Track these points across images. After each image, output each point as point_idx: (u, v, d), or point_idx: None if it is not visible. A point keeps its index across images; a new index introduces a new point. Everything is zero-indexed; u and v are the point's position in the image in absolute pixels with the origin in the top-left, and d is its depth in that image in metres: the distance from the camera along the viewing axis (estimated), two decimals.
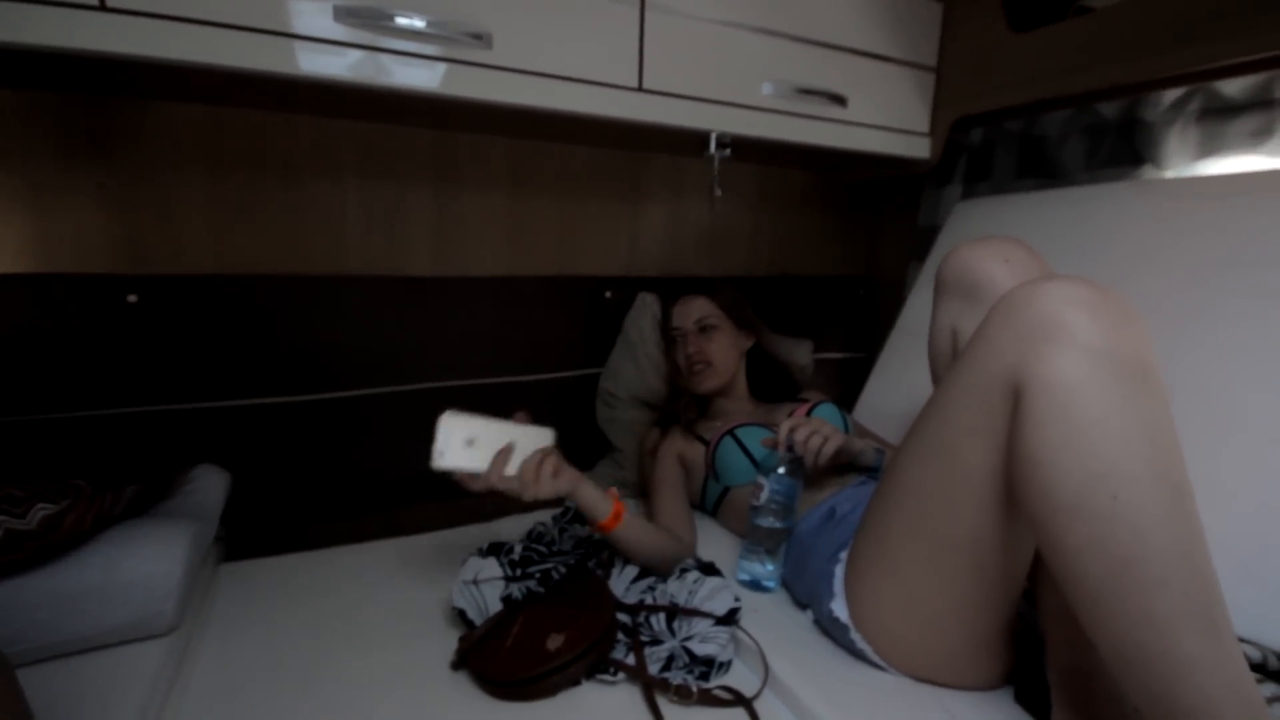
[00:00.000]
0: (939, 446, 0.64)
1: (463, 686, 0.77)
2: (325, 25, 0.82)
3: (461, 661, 0.79)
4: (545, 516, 1.11)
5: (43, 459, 0.96)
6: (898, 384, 1.32)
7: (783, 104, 1.18)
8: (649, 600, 0.87)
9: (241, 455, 1.07)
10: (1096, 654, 0.54)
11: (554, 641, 0.76)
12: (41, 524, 0.67)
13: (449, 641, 0.84)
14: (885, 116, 1.31)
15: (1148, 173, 1.13)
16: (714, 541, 1.07)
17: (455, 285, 1.23)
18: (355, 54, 0.84)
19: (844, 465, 0.99)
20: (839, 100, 1.22)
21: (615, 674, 0.76)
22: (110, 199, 0.99)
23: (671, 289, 1.30)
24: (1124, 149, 1.15)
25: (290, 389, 1.11)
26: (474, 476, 0.79)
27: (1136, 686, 0.48)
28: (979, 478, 0.60)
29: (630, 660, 0.78)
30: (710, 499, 1.14)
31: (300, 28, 0.81)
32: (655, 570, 0.93)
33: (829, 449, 0.91)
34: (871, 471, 0.99)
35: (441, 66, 0.89)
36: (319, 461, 1.15)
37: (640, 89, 1.05)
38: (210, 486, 0.96)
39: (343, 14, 0.82)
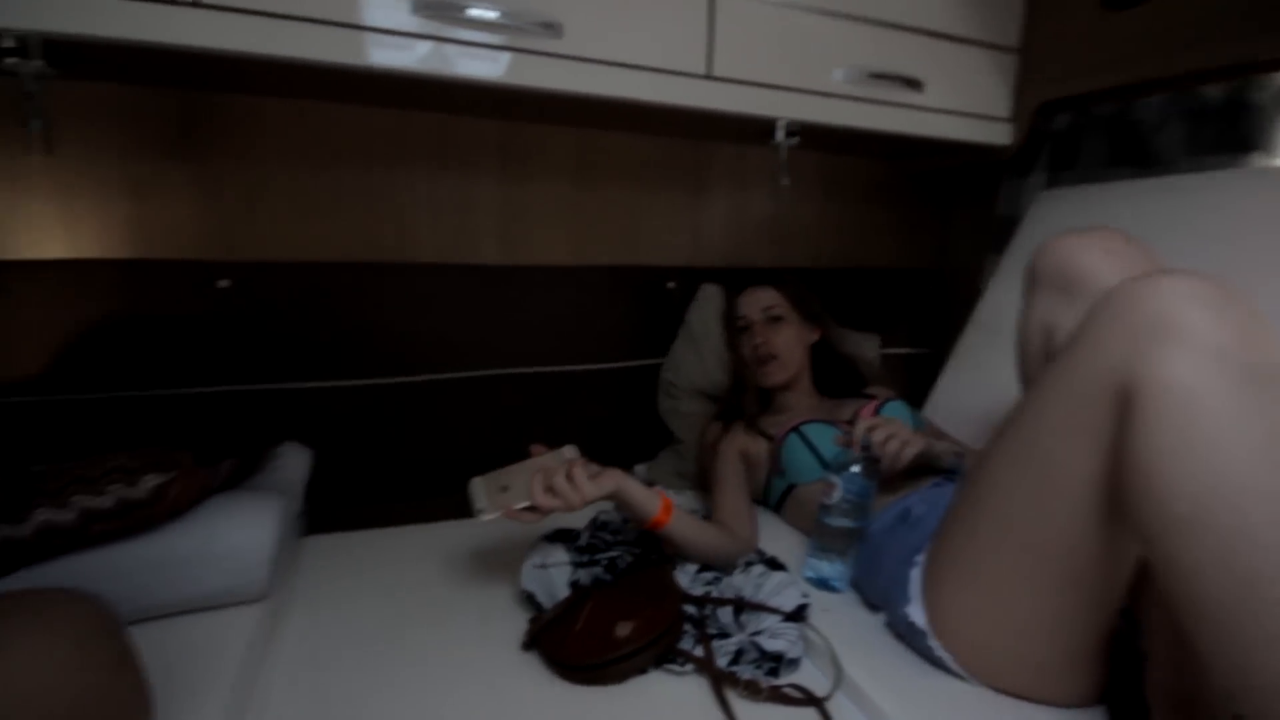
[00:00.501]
0: (1034, 450, 0.61)
1: (532, 666, 0.79)
2: (401, 18, 0.84)
3: (532, 643, 0.81)
4: (608, 505, 1.12)
5: (140, 433, 1.02)
6: (972, 382, 1.27)
7: (855, 89, 1.14)
8: (714, 593, 0.87)
9: (321, 434, 1.11)
10: (1206, 677, 0.50)
11: (623, 629, 0.77)
12: (150, 493, 0.71)
13: (518, 622, 0.87)
14: (963, 101, 1.25)
15: (1257, 160, 1.04)
16: (778, 538, 1.06)
17: (520, 274, 1.24)
18: (426, 45, 0.86)
19: (919, 466, 0.96)
20: (914, 85, 1.18)
21: (684, 664, 0.77)
22: (202, 189, 1.04)
23: (736, 280, 1.29)
24: (1230, 134, 1.07)
25: (365, 372, 1.15)
26: (525, 511, 0.81)
27: (1258, 713, 0.45)
28: (1078, 485, 0.57)
29: (698, 651, 0.78)
30: (774, 495, 1.12)
31: (375, 21, 0.82)
32: (712, 566, 0.93)
33: (908, 453, 0.88)
34: (948, 474, 0.96)
35: (511, 57, 0.90)
36: (390, 442, 1.19)
37: (709, 76, 1.03)
38: (294, 463, 1.01)
39: (420, 6, 0.84)
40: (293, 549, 1.00)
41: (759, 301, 1.20)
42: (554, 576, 0.89)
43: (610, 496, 0.84)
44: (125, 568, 0.72)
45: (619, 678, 0.75)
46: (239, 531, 0.78)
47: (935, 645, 0.73)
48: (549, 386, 1.30)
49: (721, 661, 0.76)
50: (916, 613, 0.74)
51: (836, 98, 1.13)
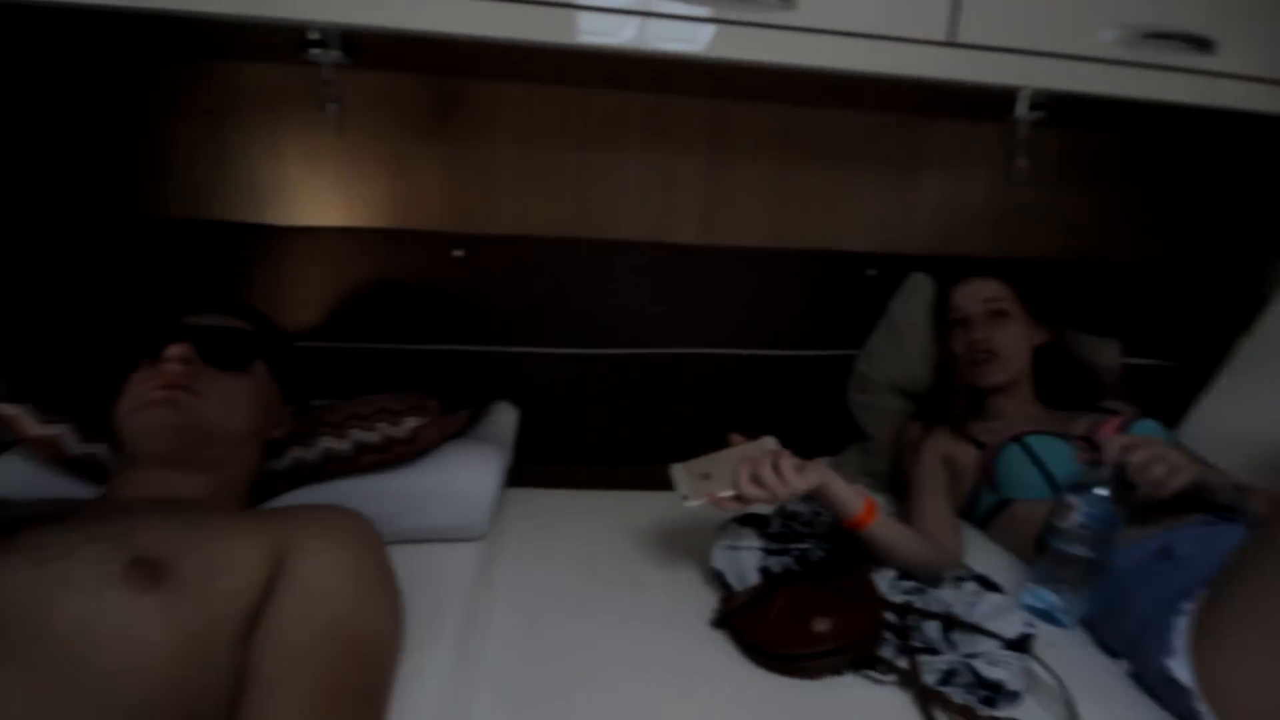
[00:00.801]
0: None
1: (721, 644, 0.80)
2: None
3: (723, 622, 0.81)
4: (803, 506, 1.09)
5: (384, 382, 1.18)
6: (1247, 406, 1.06)
7: (1125, 52, 0.97)
8: (916, 603, 0.81)
9: (526, 396, 1.20)
10: None
11: (821, 625, 0.75)
12: (410, 433, 0.82)
13: (705, 598, 0.88)
14: (1266, 65, 1.02)
15: None
16: (981, 558, 0.97)
17: (717, 255, 1.24)
18: (651, 22, 0.86)
19: (1185, 498, 0.82)
20: (1203, 45, 0.98)
21: (885, 673, 0.73)
22: (447, 166, 1.16)
23: (949, 269, 1.18)
24: None
25: (568, 341, 1.22)
26: (729, 499, 0.80)
27: None
28: None
29: (901, 663, 0.73)
30: (981, 508, 1.02)
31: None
32: (910, 575, 0.87)
33: (1177, 482, 0.75)
34: (1222, 511, 0.80)
35: (741, 31, 0.87)
36: (586, 409, 1.26)
37: (951, 43, 0.94)
38: (506, 420, 1.10)
39: None
40: (501, 499, 1.09)
41: (979, 293, 1.09)
42: (743, 559, 0.89)
43: (813, 492, 0.81)
44: (381, 495, 0.83)
45: (814, 674, 0.73)
46: (470, 475, 0.87)
47: (1202, 708, 0.62)
48: (735, 369, 1.29)
49: (929, 678, 0.71)
50: (1181, 668, 0.64)
51: (1101, 63, 0.98)
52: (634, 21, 0.86)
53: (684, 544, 1.01)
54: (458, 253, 1.16)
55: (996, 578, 0.88)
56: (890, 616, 0.80)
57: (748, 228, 1.26)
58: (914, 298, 1.23)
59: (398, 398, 0.87)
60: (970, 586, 0.82)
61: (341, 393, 1.02)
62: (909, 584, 0.85)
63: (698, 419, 1.30)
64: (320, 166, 1.12)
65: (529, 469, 1.19)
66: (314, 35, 0.85)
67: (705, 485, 0.82)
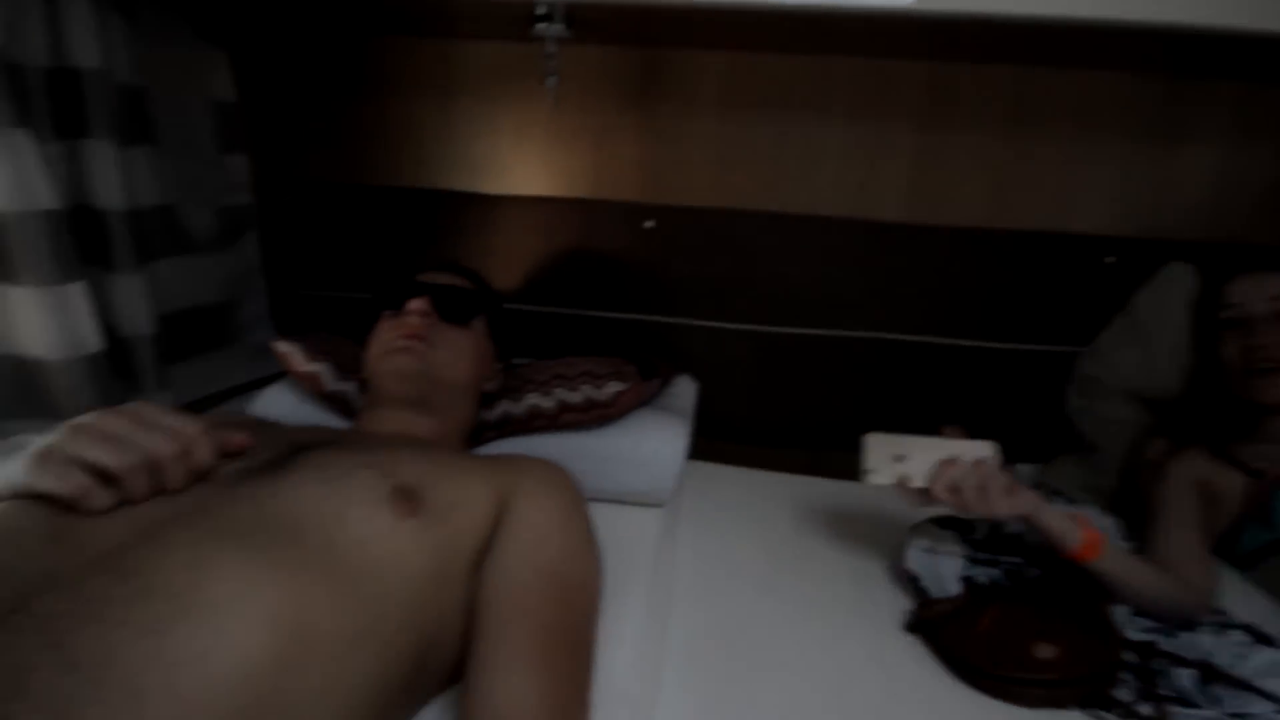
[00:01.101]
0: None
1: (913, 650, 0.75)
2: None
3: (920, 627, 0.76)
4: None
5: (571, 347, 1.23)
6: None
7: None
8: (1163, 644, 0.70)
9: (705, 369, 1.20)
10: None
11: (1044, 650, 0.67)
12: (610, 397, 0.85)
13: (895, 598, 0.84)
14: None
15: None
16: (1243, 603, 0.81)
17: (926, 234, 1.14)
18: None
19: None
20: None
21: (1124, 716, 0.63)
22: (645, 137, 1.16)
23: (1219, 259, 0.98)
24: None
25: (754, 318, 1.20)
26: (914, 492, 0.73)
27: None
28: None
29: (1144, 709, 0.64)
30: (1245, 546, 0.86)
31: None
32: (1148, 613, 0.75)
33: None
34: None
35: None
36: (764, 388, 1.23)
37: None
38: (686, 393, 1.11)
39: None
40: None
41: (1267, 290, 0.89)
42: (942, 565, 0.82)
43: (1019, 519, 0.72)
44: (577, 453, 0.87)
45: (1032, 702, 0.66)
46: (659, 442, 0.89)
47: None
48: (934, 358, 1.19)
49: None
50: None
51: None
52: None
53: (867, 536, 0.96)
54: (649, 224, 1.18)
55: (1266, 627, 0.73)
56: (1129, 656, 0.69)
57: (962, 204, 1.14)
58: (1169, 291, 1.04)
59: (600, 361, 0.91)
60: (1237, 635, 0.69)
61: (533, 354, 1.08)
62: (1148, 622, 0.74)
63: (883, 408, 1.22)
64: (530, 139, 1.18)
65: (701, 443, 1.19)
66: (542, 10, 0.89)
67: (896, 468, 0.75)
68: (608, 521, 0.70)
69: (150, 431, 0.48)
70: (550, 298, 1.23)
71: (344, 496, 0.53)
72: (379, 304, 0.85)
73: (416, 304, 0.79)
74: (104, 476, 0.46)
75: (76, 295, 0.80)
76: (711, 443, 1.19)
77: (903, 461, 0.76)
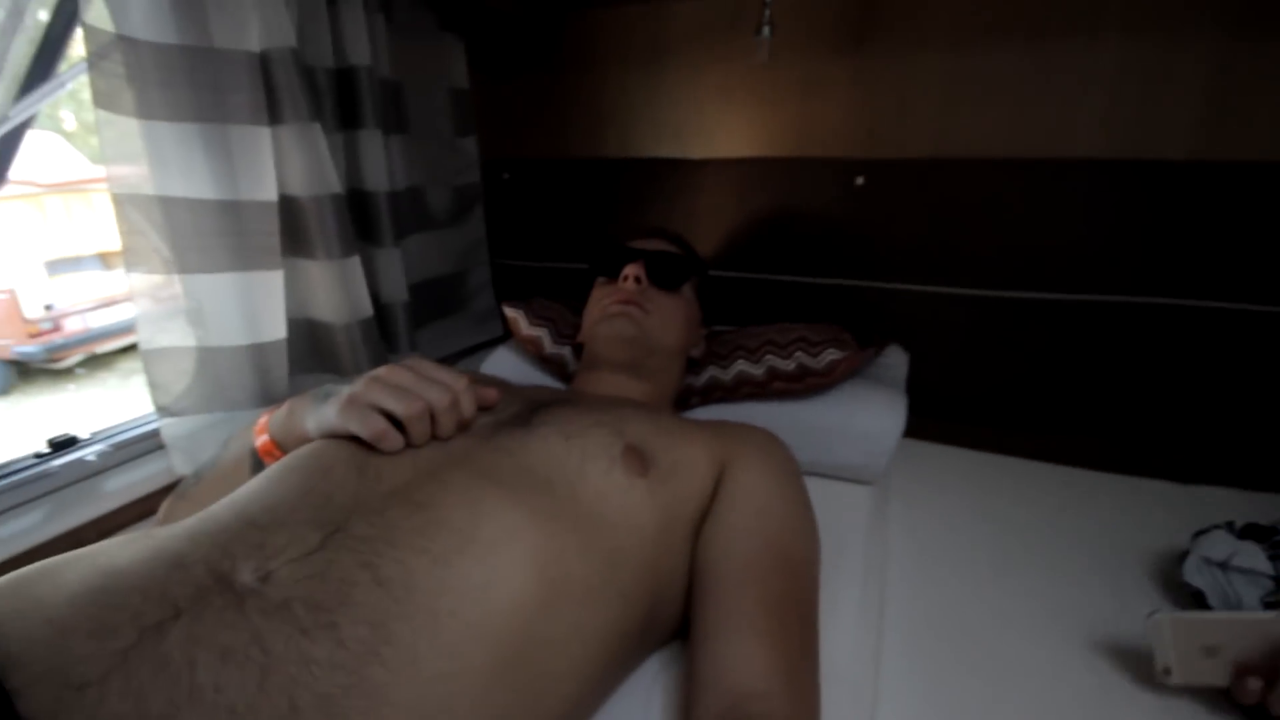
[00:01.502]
0: None
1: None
2: None
3: None
4: None
5: (774, 314, 1.20)
6: None
7: None
8: None
9: (919, 338, 1.10)
10: None
11: None
12: (827, 366, 0.81)
13: (1155, 604, 0.71)
14: None
15: None
16: None
17: (1226, 173, 0.91)
18: None
19: None
20: None
21: None
22: (858, 85, 1.07)
23: None
24: None
25: (979, 282, 1.06)
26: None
27: None
28: None
29: None
30: None
31: None
32: None
33: None
34: None
35: None
36: (985, 361, 1.10)
37: None
38: (898, 364, 1.03)
39: None
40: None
41: None
42: (1238, 583, 0.67)
43: None
44: (788, 423, 0.85)
45: None
46: (874, 416, 0.84)
47: None
48: (1218, 327, 0.96)
49: None
50: None
51: None
52: None
53: (1119, 535, 0.83)
54: (859, 180, 1.09)
55: None
56: None
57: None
58: None
59: (815, 328, 0.87)
60: None
61: (737, 322, 1.06)
62: None
63: (1136, 386, 1.03)
64: (735, 99, 1.14)
65: (913, 418, 1.10)
66: None
67: (1205, 666, 0.56)
68: (817, 496, 0.68)
69: (429, 384, 0.55)
70: (754, 263, 1.20)
71: (583, 452, 0.57)
72: (594, 271, 0.89)
73: (632, 269, 0.81)
74: (395, 422, 0.54)
75: (354, 268, 0.95)
76: (924, 419, 1.09)
77: (1215, 655, 0.56)
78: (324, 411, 0.56)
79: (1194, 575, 0.70)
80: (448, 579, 0.43)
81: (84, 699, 0.33)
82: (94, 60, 0.70)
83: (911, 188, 1.07)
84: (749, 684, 0.47)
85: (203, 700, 0.34)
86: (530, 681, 0.44)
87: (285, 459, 0.54)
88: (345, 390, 0.56)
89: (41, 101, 0.71)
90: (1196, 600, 0.69)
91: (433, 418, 0.55)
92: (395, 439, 0.53)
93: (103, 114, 0.71)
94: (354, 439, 0.54)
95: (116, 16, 0.70)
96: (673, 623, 0.60)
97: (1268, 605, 0.66)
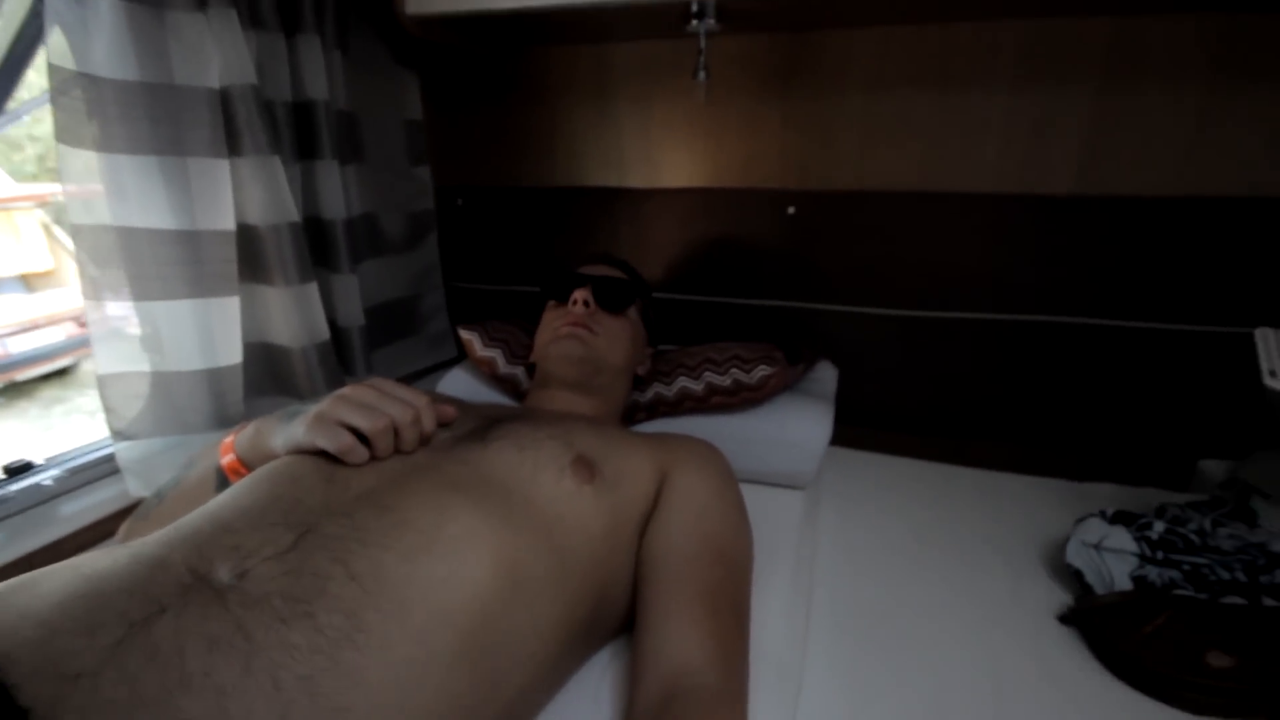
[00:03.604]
0: None
1: (1068, 644, 0.73)
2: None
3: (1077, 619, 0.73)
4: (1178, 498, 0.91)
5: (711, 333, 1.28)
6: None
7: None
8: None
9: (845, 356, 1.20)
10: None
11: (1218, 659, 0.63)
12: (759, 381, 0.89)
13: (1048, 590, 0.82)
14: None
15: None
16: None
17: (1101, 206, 1.05)
18: None
19: None
20: None
21: None
22: (789, 124, 1.17)
23: None
24: None
25: (897, 303, 1.18)
26: None
27: None
28: None
29: None
30: None
31: None
32: None
33: None
34: None
35: None
36: (905, 374, 1.21)
37: None
38: (828, 378, 1.12)
39: None
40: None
41: None
42: (1110, 562, 0.78)
43: None
44: (724, 434, 0.92)
45: (1197, 709, 0.62)
46: (803, 426, 0.92)
47: None
48: (1104, 342, 1.10)
49: None
50: None
51: None
52: None
53: (1020, 529, 0.93)
54: (791, 210, 1.19)
55: None
56: None
57: (1148, 174, 1.04)
58: None
59: (749, 346, 0.95)
60: None
61: (681, 341, 1.14)
62: None
63: (1039, 396, 1.15)
64: (676, 133, 1.23)
65: (841, 429, 1.20)
66: (695, 7, 0.93)
67: None
68: (751, 501, 0.75)
69: (392, 401, 0.60)
70: (696, 286, 1.29)
71: (535, 462, 0.62)
72: (545, 295, 0.95)
73: (580, 294, 0.88)
74: (360, 436, 0.58)
75: (311, 293, 0.98)
76: (852, 428, 1.19)
77: None
78: (291, 429, 0.60)
79: (1074, 556, 0.80)
80: (414, 573, 0.48)
81: (79, 687, 0.37)
82: (55, 95, 0.73)
83: (837, 216, 1.18)
84: (685, 662, 0.53)
85: (193, 684, 0.38)
86: (490, 667, 0.49)
87: (254, 472, 0.58)
88: (312, 409, 0.60)
89: None
90: (1077, 578, 0.80)
91: (396, 433, 0.60)
92: (361, 452, 0.58)
93: (63, 147, 0.73)
94: (321, 453, 0.58)
95: (78, 54, 0.73)
96: (619, 617, 0.66)
97: (1135, 579, 0.76)
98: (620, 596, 0.65)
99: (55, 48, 0.72)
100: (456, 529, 0.52)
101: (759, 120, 1.18)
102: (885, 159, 1.14)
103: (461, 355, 1.17)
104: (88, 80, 0.74)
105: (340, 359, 1.09)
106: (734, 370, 0.91)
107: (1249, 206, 1.00)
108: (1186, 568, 0.76)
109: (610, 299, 0.90)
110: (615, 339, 0.88)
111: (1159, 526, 0.80)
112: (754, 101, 1.18)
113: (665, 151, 1.25)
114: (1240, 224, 1.01)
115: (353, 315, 1.10)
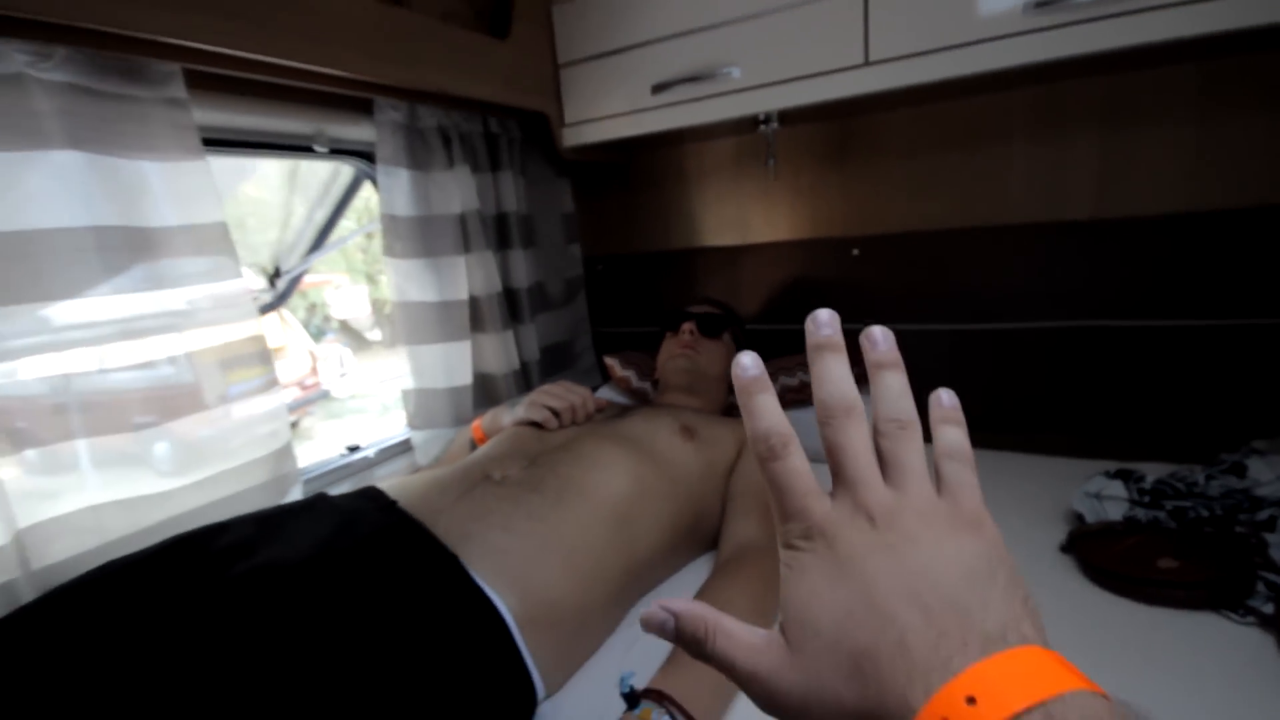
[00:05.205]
0: None
1: (1066, 566, 0.94)
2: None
3: (1070, 546, 0.95)
4: (1198, 472, 1.08)
5: (790, 354, 1.59)
6: None
7: None
8: None
9: (912, 367, 1.45)
10: None
11: (1166, 563, 0.84)
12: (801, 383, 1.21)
13: (1057, 531, 1.02)
14: None
15: None
16: None
17: (1114, 228, 1.25)
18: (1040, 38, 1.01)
19: None
20: None
21: (1244, 616, 0.78)
22: (845, 186, 1.49)
23: None
24: None
25: (951, 318, 1.43)
26: None
27: None
28: None
29: (1267, 609, 0.77)
30: None
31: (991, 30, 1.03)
32: None
33: None
34: None
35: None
36: (967, 381, 1.43)
37: None
38: None
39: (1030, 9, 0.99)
40: None
41: None
42: (1107, 508, 0.99)
43: None
44: (800, 423, 1.24)
45: (1145, 599, 0.83)
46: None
47: None
48: (1129, 342, 1.27)
49: None
50: None
51: None
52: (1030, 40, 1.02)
53: (1049, 494, 1.13)
54: (855, 251, 1.50)
55: None
56: (1273, 576, 0.81)
57: (1155, 195, 1.23)
58: None
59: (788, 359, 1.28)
60: None
61: (768, 358, 1.47)
62: None
63: (1083, 393, 1.33)
64: (759, 201, 1.60)
65: None
66: (763, 116, 1.31)
67: None
68: (818, 471, 1.05)
69: (571, 393, 1.01)
70: (781, 317, 1.62)
71: (656, 427, 1.00)
72: (663, 327, 1.35)
73: (687, 325, 1.26)
74: (553, 413, 1.00)
75: (509, 339, 1.45)
76: None
77: None
78: (515, 411, 1.04)
79: (1078, 503, 1.02)
80: (586, 478, 0.87)
81: (440, 513, 0.79)
82: (383, 228, 1.26)
83: (893, 253, 1.47)
84: (746, 535, 0.87)
85: (490, 516, 0.79)
86: (628, 534, 0.86)
87: (497, 435, 1.01)
88: (525, 399, 1.03)
89: (320, 255, 1.27)
90: (1079, 519, 1.01)
91: (573, 411, 1.01)
92: (554, 422, 0.99)
93: (386, 259, 1.26)
94: (533, 423, 1.00)
95: (387, 203, 1.26)
96: (709, 534, 1.00)
97: (1126, 519, 0.97)
98: (711, 519, 0.99)
99: (380, 200, 1.25)
100: (608, 459, 0.91)
101: (821, 186, 1.52)
102: (928, 205, 1.42)
103: (605, 380, 1.59)
104: (391, 218, 1.26)
105: (524, 386, 1.56)
106: (801, 373, 1.24)
107: (1248, 216, 1.16)
108: (1171, 509, 0.95)
109: (709, 328, 1.27)
110: (713, 357, 1.25)
111: (1151, 479, 0.99)
112: (816, 173, 1.52)
113: (750, 216, 1.62)
114: (1241, 230, 1.17)
115: (532, 353, 1.56)
